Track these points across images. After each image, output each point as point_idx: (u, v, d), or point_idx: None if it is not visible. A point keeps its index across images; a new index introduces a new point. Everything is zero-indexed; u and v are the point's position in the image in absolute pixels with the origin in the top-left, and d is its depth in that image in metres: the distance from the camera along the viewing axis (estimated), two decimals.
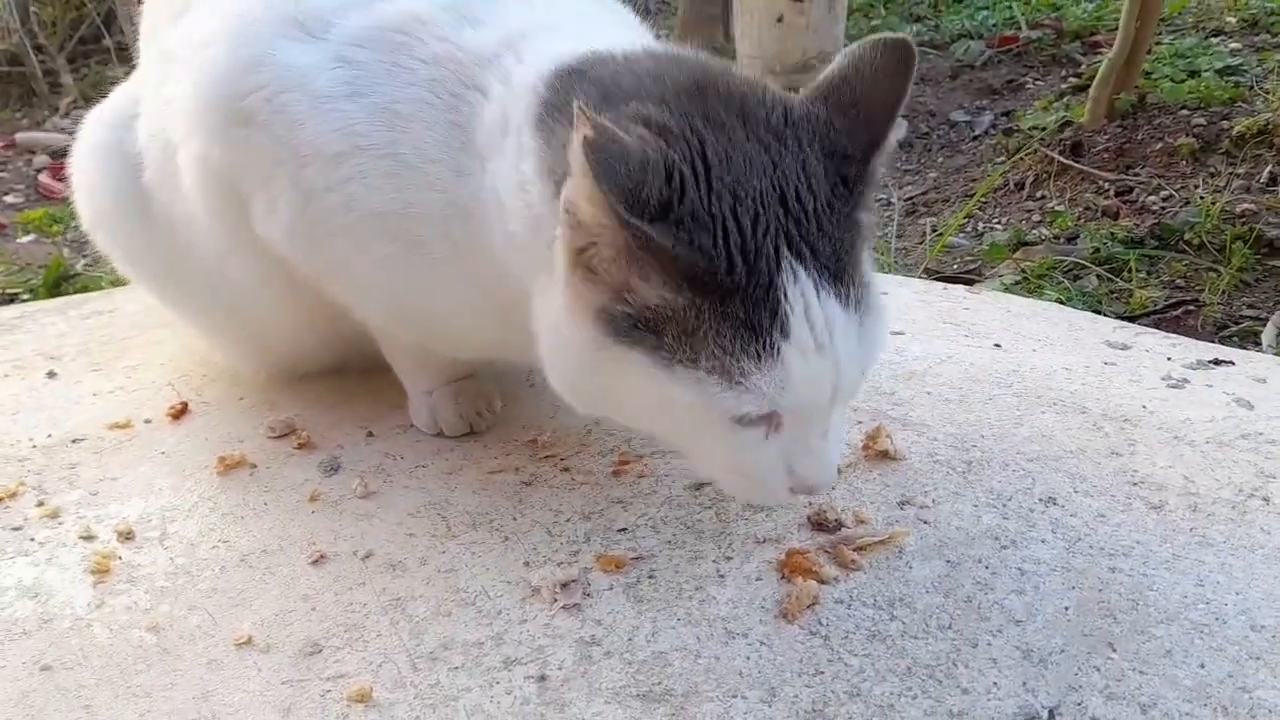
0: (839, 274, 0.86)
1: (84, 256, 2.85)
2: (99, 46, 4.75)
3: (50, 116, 4.27)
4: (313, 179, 1.04)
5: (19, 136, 3.99)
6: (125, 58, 4.38)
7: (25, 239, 3.03)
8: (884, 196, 2.71)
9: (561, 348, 0.91)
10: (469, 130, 0.99)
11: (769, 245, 0.83)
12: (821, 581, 0.97)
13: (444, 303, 1.08)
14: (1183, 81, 2.73)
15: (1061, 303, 1.84)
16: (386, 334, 1.24)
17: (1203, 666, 0.87)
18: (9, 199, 3.46)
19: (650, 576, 1.00)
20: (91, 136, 1.36)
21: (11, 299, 2.47)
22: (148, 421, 1.35)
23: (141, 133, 1.26)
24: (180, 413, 1.36)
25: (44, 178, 3.55)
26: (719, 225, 0.82)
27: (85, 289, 2.41)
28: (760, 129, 0.87)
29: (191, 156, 1.13)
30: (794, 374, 0.83)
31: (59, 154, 3.84)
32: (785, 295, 0.83)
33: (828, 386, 0.86)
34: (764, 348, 0.83)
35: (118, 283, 2.42)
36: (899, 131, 0.92)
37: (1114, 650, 0.89)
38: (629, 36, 1.06)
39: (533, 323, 0.96)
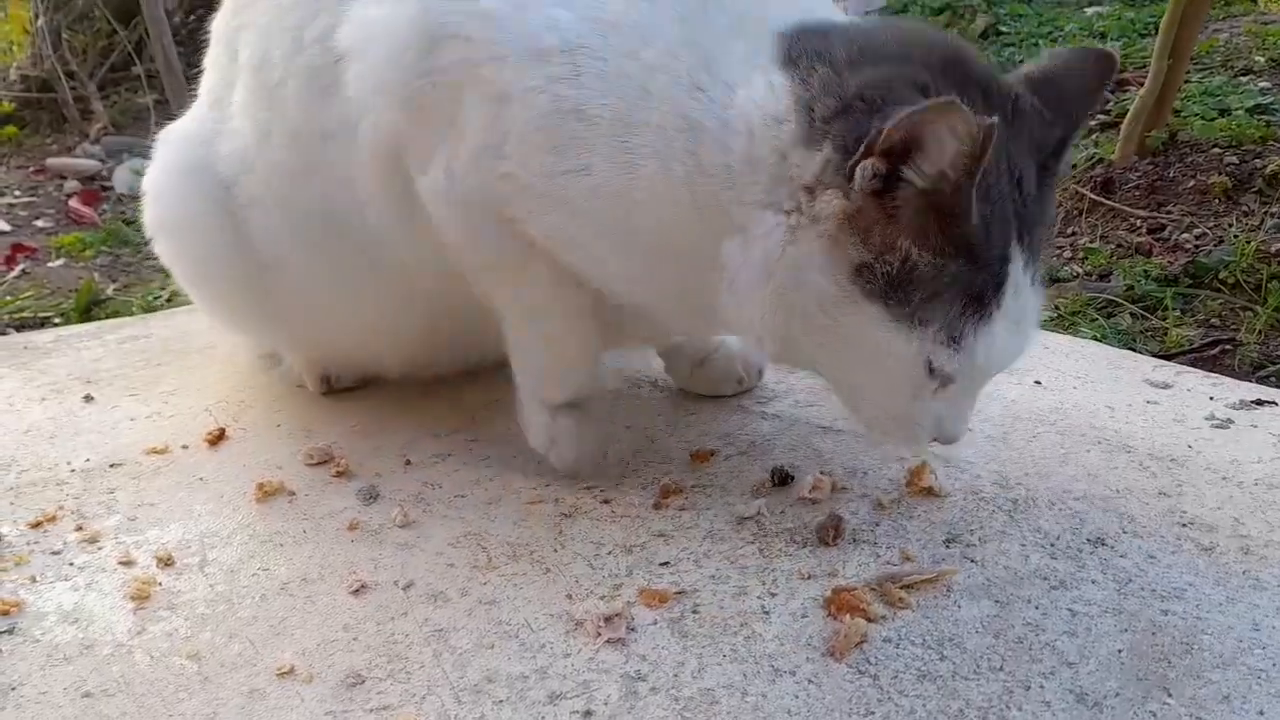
0: (1035, 256, 0.96)
1: (114, 281, 2.87)
2: (129, 74, 4.80)
3: (80, 142, 4.31)
4: (512, 79, 1.02)
5: (50, 162, 4.02)
6: (155, 85, 4.43)
7: (56, 263, 3.05)
8: None
9: (792, 294, 0.96)
10: (708, 50, 1.00)
11: (1011, 222, 0.93)
12: (869, 619, 0.96)
13: (637, 233, 1.05)
14: (1214, 120, 2.72)
15: (1097, 340, 1.83)
16: (528, 330, 1.21)
17: (1262, 714, 0.85)
18: (39, 223, 3.48)
19: (694, 611, 0.99)
20: (177, 151, 1.39)
21: (43, 323, 2.48)
22: (185, 447, 1.35)
23: (243, 140, 1.28)
24: (218, 439, 1.36)
25: (74, 203, 3.58)
26: (993, 199, 0.91)
27: (116, 314, 2.42)
28: (1000, 111, 0.92)
29: (370, 126, 1.13)
30: (997, 343, 0.95)
31: (89, 179, 3.87)
32: (1010, 272, 0.93)
33: (1014, 355, 0.99)
34: (983, 317, 0.93)
35: (150, 308, 2.44)
36: None
37: (1169, 695, 0.87)
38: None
39: (731, 257, 0.99)
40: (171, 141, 1.41)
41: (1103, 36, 3.83)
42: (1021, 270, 0.94)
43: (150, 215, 1.42)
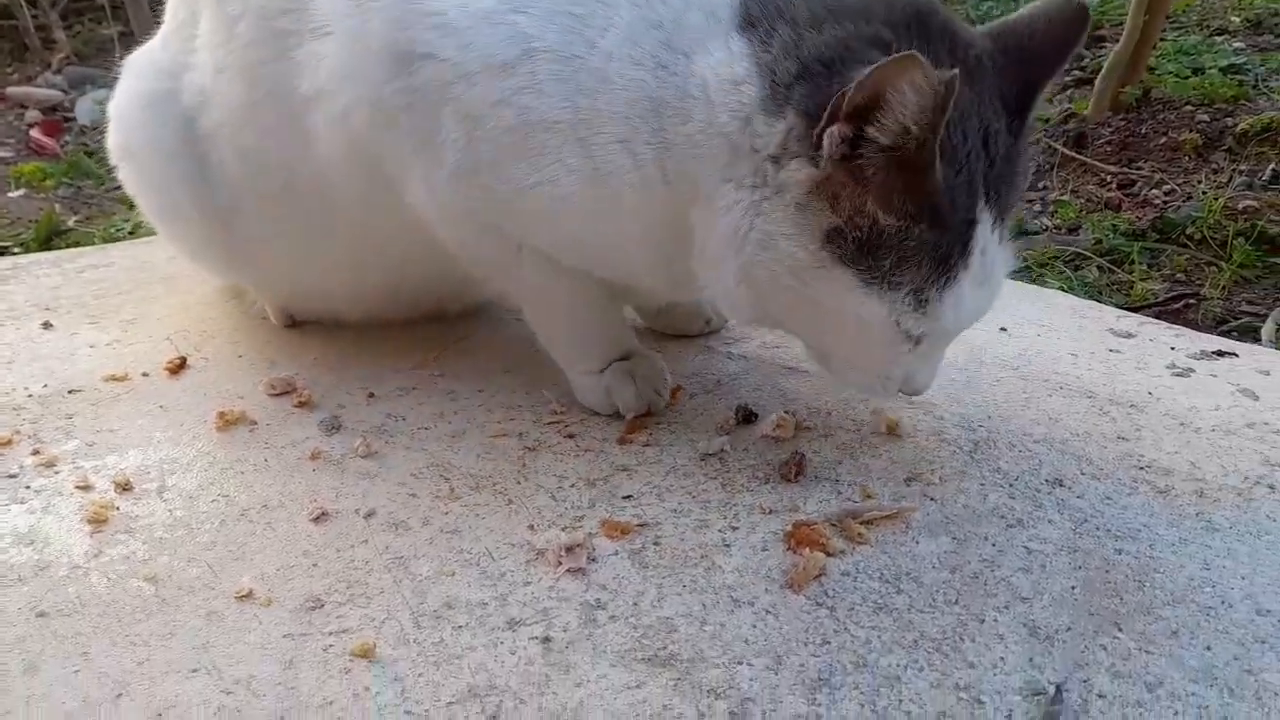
0: (1005, 214, 0.96)
1: (75, 214, 2.82)
2: (92, 4, 4.69)
3: (42, 72, 4.21)
4: (481, 97, 1.02)
5: (10, 90, 3.94)
6: (119, 16, 4.32)
7: (15, 194, 2.98)
8: None
9: (765, 261, 0.95)
10: (669, 29, 0.98)
11: (979, 183, 0.92)
12: (828, 553, 0.97)
13: (610, 228, 1.05)
14: (1187, 78, 2.73)
15: (1064, 291, 1.84)
16: (545, 311, 1.22)
17: (1209, 648, 0.87)
18: None
19: (655, 543, 0.99)
20: (142, 78, 1.35)
21: (2, 252, 2.44)
22: (145, 375, 1.34)
23: (204, 74, 1.25)
24: (179, 367, 1.35)
25: (35, 133, 3.50)
26: (959, 160, 0.90)
27: (77, 244, 2.38)
28: (963, 69, 0.90)
29: (329, 123, 1.12)
30: (964, 303, 0.95)
31: (51, 110, 3.79)
32: (976, 233, 0.92)
33: (980, 313, 0.99)
34: (950, 278, 0.93)
35: (112, 240, 2.40)
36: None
37: (1120, 629, 0.89)
38: None
39: (703, 225, 0.99)
40: (137, 68, 1.38)
41: None
42: (989, 230, 0.94)
43: (114, 141, 1.40)
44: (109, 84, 3.78)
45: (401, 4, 1.05)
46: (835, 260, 0.93)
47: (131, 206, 2.63)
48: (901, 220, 0.90)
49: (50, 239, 2.49)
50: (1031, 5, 1.02)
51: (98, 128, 3.46)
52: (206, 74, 1.25)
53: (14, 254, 2.36)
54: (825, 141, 0.90)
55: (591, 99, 0.99)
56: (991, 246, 0.94)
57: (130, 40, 4.06)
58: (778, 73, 0.94)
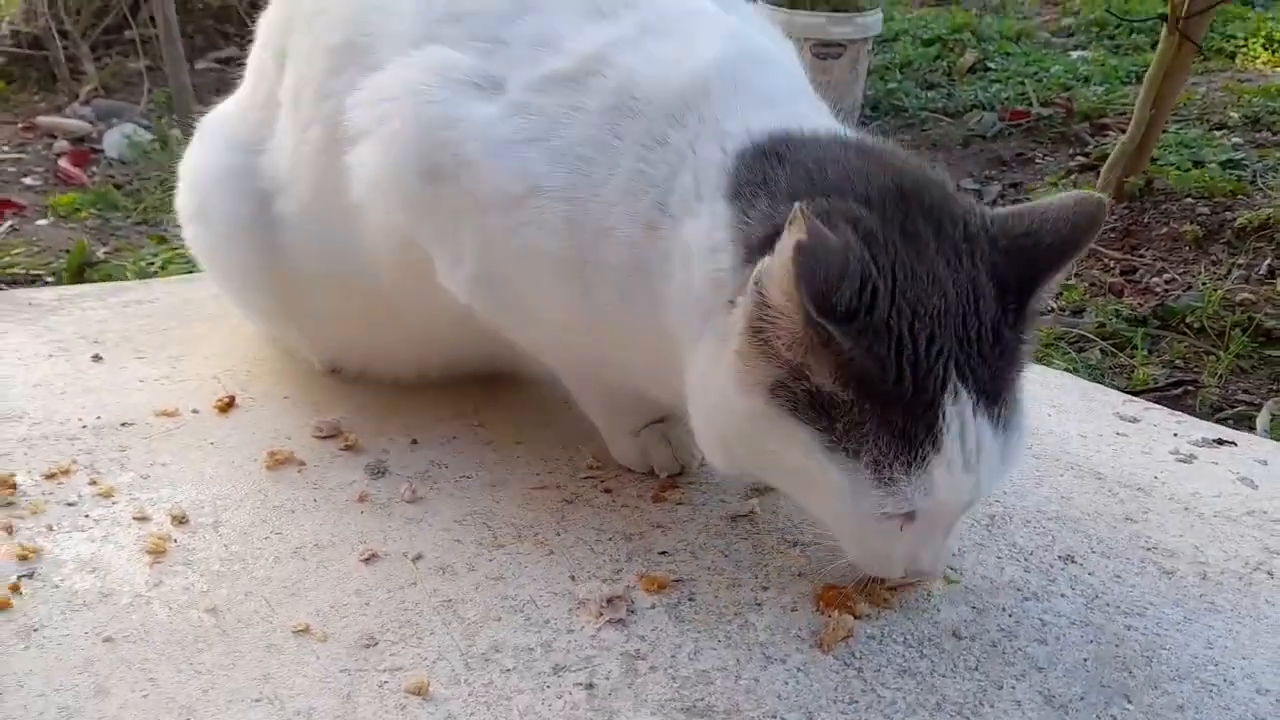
0: (995, 397, 0.91)
1: (103, 244, 2.88)
2: (121, 38, 4.78)
3: (69, 103, 4.29)
4: (494, 225, 1.08)
5: (40, 120, 4.00)
6: (148, 52, 4.42)
7: (43, 222, 3.04)
8: None
9: (723, 412, 0.96)
10: (663, 188, 1.02)
11: (939, 364, 0.88)
12: (855, 616, 1.02)
13: (614, 351, 1.12)
14: (1188, 170, 2.83)
15: (1069, 372, 1.91)
16: (580, 382, 1.28)
17: None
18: (27, 181, 3.47)
19: (691, 599, 1.05)
20: (220, 148, 1.42)
21: (33, 280, 2.49)
22: (195, 411, 1.39)
23: (281, 167, 1.33)
24: (228, 406, 1.40)
25: (63, 163, 3.57)
26: (894, 339, 0.87)
27: (109, 276, 2.44)
28: (948, 246, 0.92)
29: (377, 222, 1.19)
30: (938, 486, 0.89)
31: (78, 140, 3.86)
32: (944, 414, 0.88)
33: (966, 498, 0.93)
34: (915, 458, 0.88)
35: (143, 274, 2.46)
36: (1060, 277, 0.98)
37: (1130, 701, 0.94)
38: (810, 110, 1.10)
39: (686, 379, 1.00)
40: (214, 133, 1.45)
41: (1086, 80, 3.95)
42: (970, 413, 0.89)
43: (185, 202, 1.48)
44: (135, 118, 3.84)
45: (427, 126, 1.11)
46: (783, 414, 0.90)
47: (161, 240, 2.71)
48: (834, 386, 0.88)
49: (82, 270, 2.55)
50: (1057, 197, 0.99)
51: (126, 160, 3.55)
52: (282, 165, 1.32)
53: (48, 283, 2.42)
54: (753, 278, 0.89)
55: (594, 242, 1.04)
56: (973, 431, 0.89)
57: (158, 76, 4.17)
58: (750, 240, 0.95)
